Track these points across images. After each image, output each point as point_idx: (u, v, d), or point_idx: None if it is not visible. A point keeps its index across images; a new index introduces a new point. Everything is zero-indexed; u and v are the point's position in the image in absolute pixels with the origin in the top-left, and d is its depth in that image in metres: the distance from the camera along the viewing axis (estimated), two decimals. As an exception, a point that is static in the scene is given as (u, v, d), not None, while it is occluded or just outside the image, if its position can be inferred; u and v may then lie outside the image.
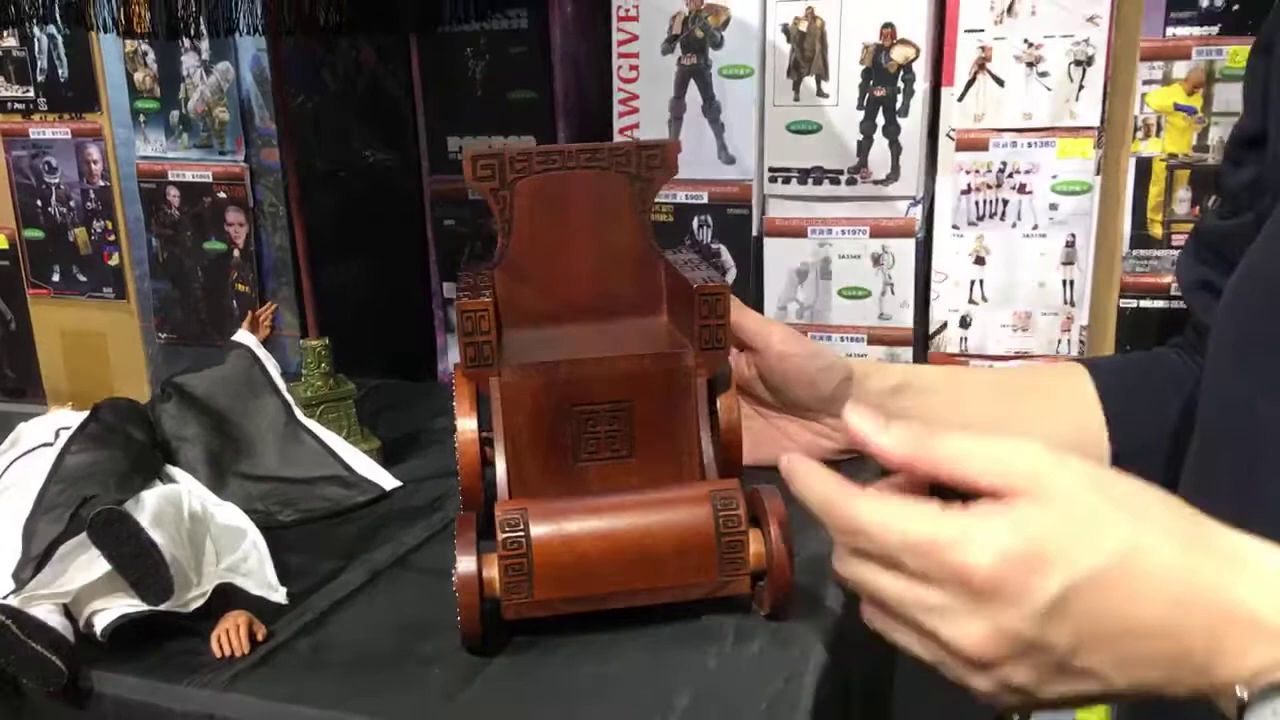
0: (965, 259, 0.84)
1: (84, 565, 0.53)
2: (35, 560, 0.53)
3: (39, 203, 1.05)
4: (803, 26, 0.84)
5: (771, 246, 0.88)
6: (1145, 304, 0.82)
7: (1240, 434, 0.54)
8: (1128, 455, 0.69)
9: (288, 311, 0.98)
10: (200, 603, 0.55)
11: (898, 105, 0.83)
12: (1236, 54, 0.78)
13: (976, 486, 0.42)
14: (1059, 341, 0.84)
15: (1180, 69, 0.79)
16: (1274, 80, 0.59)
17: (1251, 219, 0.59)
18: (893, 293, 0.86)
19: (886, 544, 0.42)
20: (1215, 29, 0.78)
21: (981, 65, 0.81)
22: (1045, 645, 0.40)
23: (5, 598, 0.52)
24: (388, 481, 0.73)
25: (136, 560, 0.51)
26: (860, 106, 0.83)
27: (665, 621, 0.54)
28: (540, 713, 0.47)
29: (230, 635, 0.53)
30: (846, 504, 0.43)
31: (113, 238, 1.04)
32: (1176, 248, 0.81)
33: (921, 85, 0.82)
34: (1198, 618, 0.39)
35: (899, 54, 0.82)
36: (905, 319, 0.86)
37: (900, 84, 0.82)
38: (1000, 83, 0.81)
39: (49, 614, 0.52)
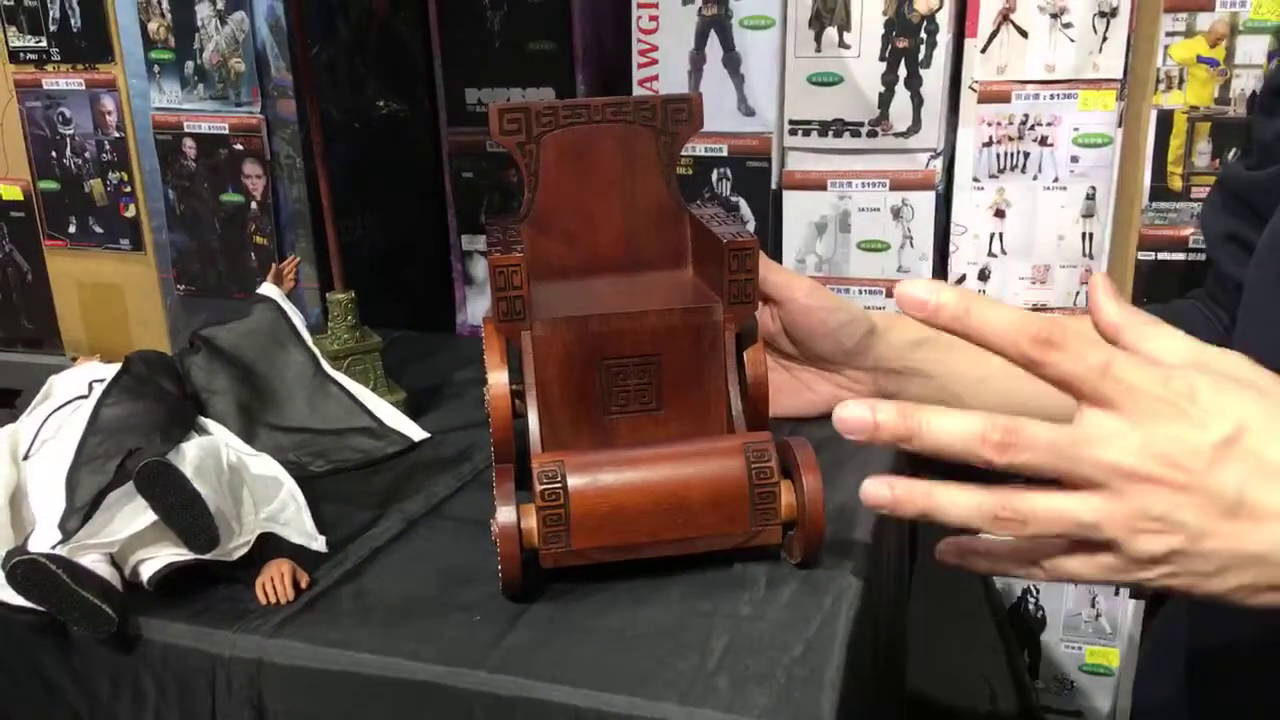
0: (985, 212, 0.85)
1: (130, 515, 0.54)
2: (82, 510, 0.54)
3: (54, 154, 1.05)
4: (825, -23, 0.83)
5: (791, 199, 0.89)
6: (1164, 256, 0.83)
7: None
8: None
9: (307, 264, 0.98)
10: (243, 551, 0.56)
11: (920, 57, 0.82)
12: (1259, 6, 0.78)
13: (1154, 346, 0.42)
14: (1077, 294, 0.84)
15: (1203, 21, 0.79)
16: None
17: None
18: (912, 245, 0.87)
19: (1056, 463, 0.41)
20: (1240, -20, 0.77)
21: (1005, 16, 0.81)
22: (1212, 488, 0.40)
23: (54, 547, 0.53)
24: (416, 433, 0.73)
25: (183, 510, 0.52)
26: (882, 58, 0.83)
27: (698, 570, 0.55)
28: (582, 656, 0.49)
29: (275, 583, 0.54)
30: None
31: (128, 189, 1.04)
32: (1196, 200, 0.81)
33: (945, 36, 0.82)
34: None
35: (922, 5, 0.82)
36: (924, 271, 0.87)
37: (923, 35, 0.82)
38: (1024, 34, 0.81)
39: (96, 563, 0.54)
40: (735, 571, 0.55)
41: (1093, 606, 0.92)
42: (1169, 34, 0.79)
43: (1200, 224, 0.71)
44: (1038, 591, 0.93)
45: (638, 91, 0.89)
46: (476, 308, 1.01)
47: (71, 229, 1.07)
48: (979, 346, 0.44)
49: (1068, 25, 0.79)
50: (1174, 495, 0.40)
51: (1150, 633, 0.72)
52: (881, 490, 0.45)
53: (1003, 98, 0.82)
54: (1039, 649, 0.94)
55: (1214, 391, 0.40)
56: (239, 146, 0.97)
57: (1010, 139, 0.83)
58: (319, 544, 0.59)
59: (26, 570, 0.51)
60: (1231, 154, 0.79)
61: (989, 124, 0.83)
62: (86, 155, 1.05)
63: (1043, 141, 0.82)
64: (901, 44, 0.83)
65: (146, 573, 0.54)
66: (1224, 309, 0.68)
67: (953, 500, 0.43)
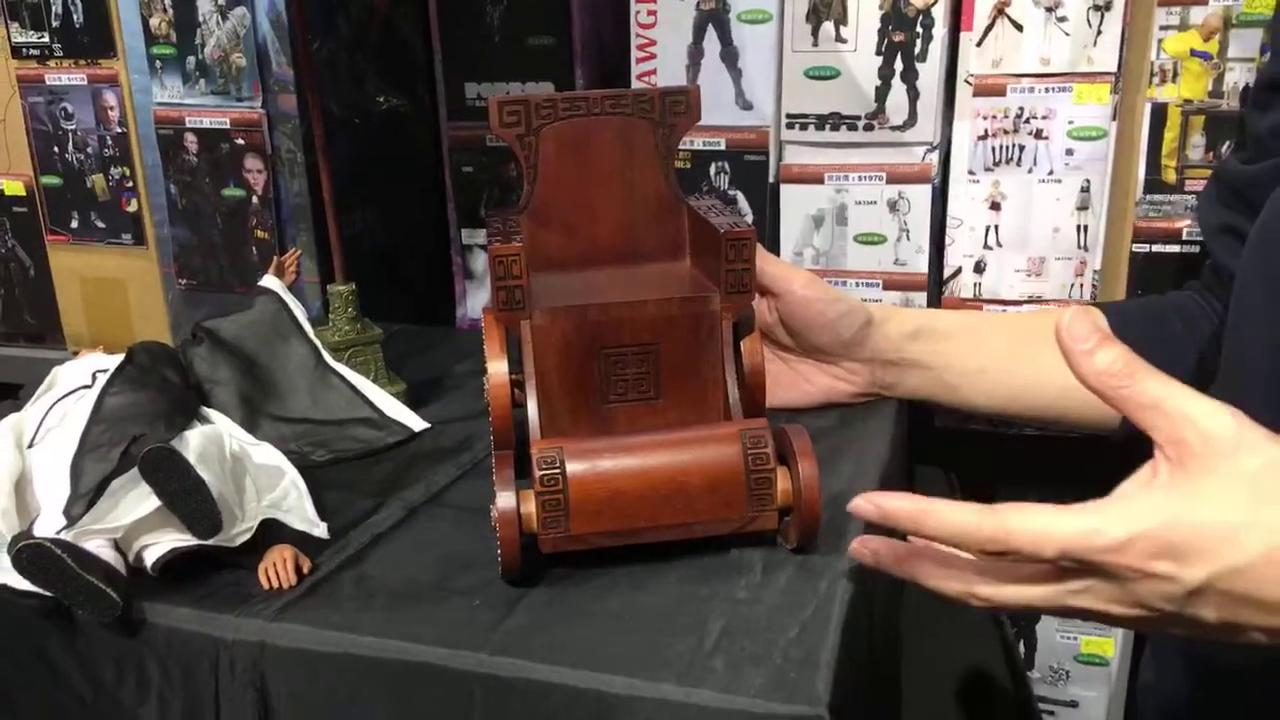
0: (981, 204, 0.85)
1: (134, 501, 0.55)
2: (86, 497, 0.54)
3: (56, 149, 1.06)
4: (822, -29, 0.84)
5: (788, 193, 0.89)
6: (1158, 249, 0.84)
7: (1267, 373, 0.55)
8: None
9: (307, 258, 0.99)
10: (246, 537, 0.57)
11: (916, 50, 0.83)
12: (1252, 0, 0.78)
13: (1155, 436, 0.43)
14: (1072, 286, 0.85)
15: (1197, 14, 0.79)
16: None
17: (1275, 164, 0.61)
18: (908, 238, 0.87)
19: (1040, 554, 0.43)
20: (1233, -27, 0.78)
21: (1000, 10, 0.82)
22: (1189, 617, 0.43)
23: (59, 533, 0.54)
24: (416, 423, 0.74)
25: (187, 496, 0.53)
26: (879, 52, 0.84)
27: (695, 555, 0.56)
28: (581, 639, 0.49)
29: (277, 568, 0.55)
30: (996, 522, 0.44)
31: (130, 184, 1.05)
32: (1190, 193, 0.82)
33: (940, 30, 0.82)
34: None
35: (918, -1, 0.82)
36: (920, 264, 0.87)
37: (919, 29, 0.83)
38: (1019, 28, 0.81)
39: (101, 548, 0.54)
40: (732, 556, 0.56)
41: (1088, 597, 0.92)
42: (1163, 27, 0.80)
43: (1196, 216, 0.72)
44: (1034, 582, 0.93)
45: (636, 85, 0.90)
46: (476, 301, 1.02)
47: (74, 224, 1.08)
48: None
49: (1062, 19, 0.80)
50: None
51: (1145, 656, 0.72)
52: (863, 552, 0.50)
53: (998, 91, 0.83)
54: (1034, 639, 0.95)
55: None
56: (240, 141, 0.98)
57: (1005, 132, 0.83)
58: (321, 530, 0.59)
59: (32, 555, 0.51)
60: (1225, 147, 0.80)
61: (984, 117, 0.83)
62: (89, 150, 1.05)
63: (1038, 135, 0.83)
64: (898, 38, 0.83)
65: (150, 558, 0.55)
66: (1219, 300, 0.69)
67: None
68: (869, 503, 0.47)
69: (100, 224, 1.07)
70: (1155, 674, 0.69)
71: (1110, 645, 0.93)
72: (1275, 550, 0.41)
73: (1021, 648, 0.95)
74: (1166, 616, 0.43)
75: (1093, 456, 0.77)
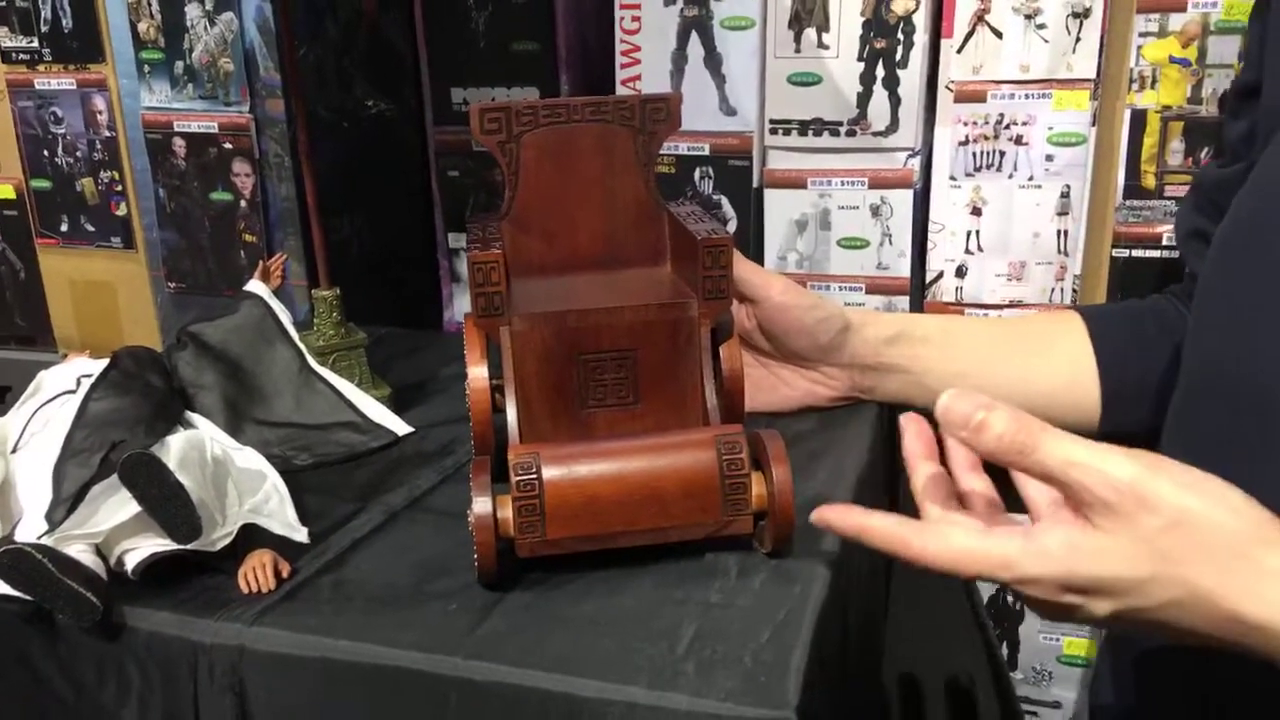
0: (962, 209, 0.86)
1: (114, 507, 0.55)
2: (67, 502, 0.55)
3: (45, 153, 1.06)
4: (804, -22, 0.84)
5: (772, 197, 0.90)
6: (1137, 253, 0.84)
7: (1223, 381, 0.56)
8: (1117, 401, 0.72)
9: (295, 261, 0.99)
10: (226, 542, 0.57)
11: (897, 57, 0.84)
12: (1231, 7, 0.79)
13: (1078, 496, 0.45)
14: (1052, 290, 0.86)
15: (1176, 21, 0.80)
16: (1269, 35, 0.60)
17: (1244, 167, 0.61)
18: (890, 243, 0.88)
19: (958, 574, 0.47)
20: (1211, -19, 0.79)
21: (980, 17, 0.82)
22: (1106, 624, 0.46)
23: (40, 538, 0.54)
24: (400, 427, 0.75)
25: (166, 502, 0.54)
26: (860, 58, 0.85)
27: (671, 559, 0.56)
28: (555, 643, 0.50)
29: (256, 572, 0.55)
30: (919, 547, 0.48)
31: (120, 188, 1.05)
32: (1169, 198, 0.82)
33: (921, 37, 0.83)
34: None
35: (899, 5, 0.83)
36: (903, 269, 0.88)
37: (900, 36, 0.83)
38: (999, 35, 0.82)
39: (82, 553, 0.55)
40: (707, 560, 0.57)
41: (1070, 599, 0.93)
42: (1142, 34, 0.81)
43: (1175, 223, 0.73)
44: (1016, 584, 0.94)
45: (621, 91, 0.90)
46: (463, 305, 1.03)
47: (63, 227, 1.08)
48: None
49: (1041, 26, 0.81)
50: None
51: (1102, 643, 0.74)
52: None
53: (978, 97, 0.83)
54: (1017, 640, 0.96)
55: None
56: (228, 145, 0.98)
57: (986, 138, 0.84)
58: (301, 535, 0.60)
59: (13, 559, 0.52)
60: (1204, 152, 0.81)
61: (965, 123, 0.84)
62: (78, 154, 1.06)
63: (1018, 140, 0.83)
64: (879, 45, 0.84)
65: (131, 562, 0.55)
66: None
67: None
68: (820, 518, 0.51)
69: (90, 227, 1.08)
70: (1116, 683, 0.70)
71: (1092, 647, 0.94)
72: (1173, 603, 0.44)
73: (1004, 649, 0.95)
74: (1085, 620, 0.46)
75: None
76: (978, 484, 0.53)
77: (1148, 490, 0.43)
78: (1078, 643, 0.94)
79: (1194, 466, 0.45)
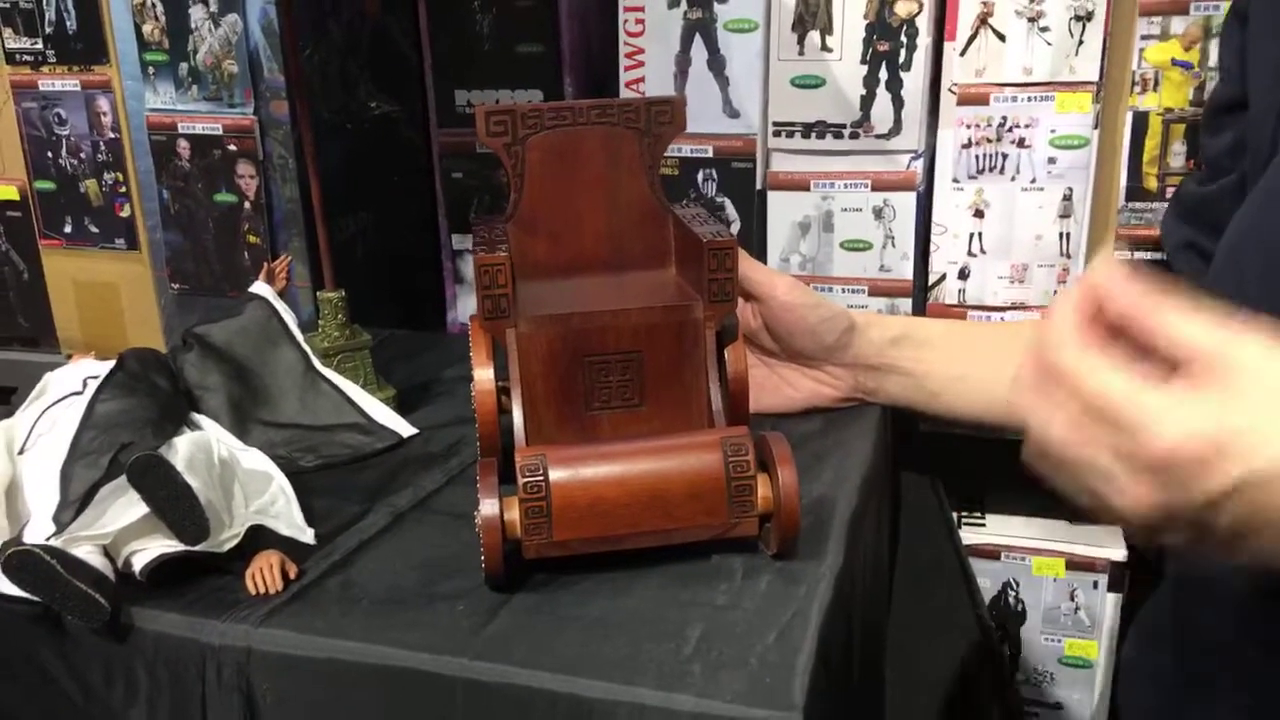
0: (965, 212, 0.86)
1: (122, 508, 0.55)
2: (75, 504, 0.55)
3: (49, 154, 1.06)
4: (807, -19, 0.85)
5: (775, 199, 0.90)
6: (1140, 255, 0.84)
7: None
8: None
9: (299, 263, 0.99)
10: (233, 543, 0.57)
11: (900, 60, 0.84)
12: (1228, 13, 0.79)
13: (1178, 354, 0.41)
14: (1054, 293, 0.86)
15: (1178, 24, 0.80)
16: (1250, 45, 0.60)
17: (1235, 180, 0.61)
18: (893, 245, 0.88)
19: (1080, 388, 0.42)
20: (1213, -16, 0.79)
21: (983, 20, 0.82)
22: (1203, 524, 0.41)
23: (48, 539, 0.54)
24: (405, 429, 0.75)
25: (174, 503, 0.54)
26: (864, 61, 0.85)
27: (677, 561, 0.56)
28: (562, 644, 0.50)
29: (264, 573, 0.56)
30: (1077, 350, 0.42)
31: (124, 189, 1.05)
32: (1171, 201, 0.82)
33: (924, 40, 0.83)
34: None
35: (902, 9, 0.83)
36: (905, 271, 0.88)
37: (903, 39, 0.83)
38: (1001, 38, 0.82)
39: (90, 554, 0.55)
40: (713, 562, 0.57)
41: (1072, 600, 0.93)
42: (1144, 37, 0.81)
43: (1161, 234, 0.73)
44: (1018, 585, 0.94)
45: (625, 93, 0.91)
46: (467, 306, 1.03)
47: (67, 228, 1.09)
48: None
49: (1044, 29, 0.81)
50: None
51: (1131, 637, 0.73)
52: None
53: (981, 100, 0.84)
54: (1019, 642, 0.96)
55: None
56: (232, 147, 0.98)
57: (989, 141, 0.84)
58: (308, 536, 0.60)
59: (21, 561, 0.52)
60: (1188, 161, 0.81)
61: (968, 126, 0.84)
62: (82, 156, 1.06)
63: (1020, 143, 0.83)
64: (882, 47, 0.84)
65: (138, 564, 0.55)
66: None
67: None
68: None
69: (94, 229, 1.08)
70: (1141, 688, 0.70)
71: (1094, 648, 0.94)
72: None
73: (1006, 650, 0.96)
74: (1175, 515, 0.41)
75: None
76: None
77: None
78: (1079, 644, 0.94)
79: None
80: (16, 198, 1.11)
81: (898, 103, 0.85)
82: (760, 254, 0.91)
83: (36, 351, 1.15)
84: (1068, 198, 0.84)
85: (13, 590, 0.53)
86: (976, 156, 0.85)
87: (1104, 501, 0.42)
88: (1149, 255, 0.84)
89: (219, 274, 1.02)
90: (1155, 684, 0.66)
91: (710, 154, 0.90)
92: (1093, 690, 0.95)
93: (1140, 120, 0.82)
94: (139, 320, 1.09)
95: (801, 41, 0.86)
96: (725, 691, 0.47)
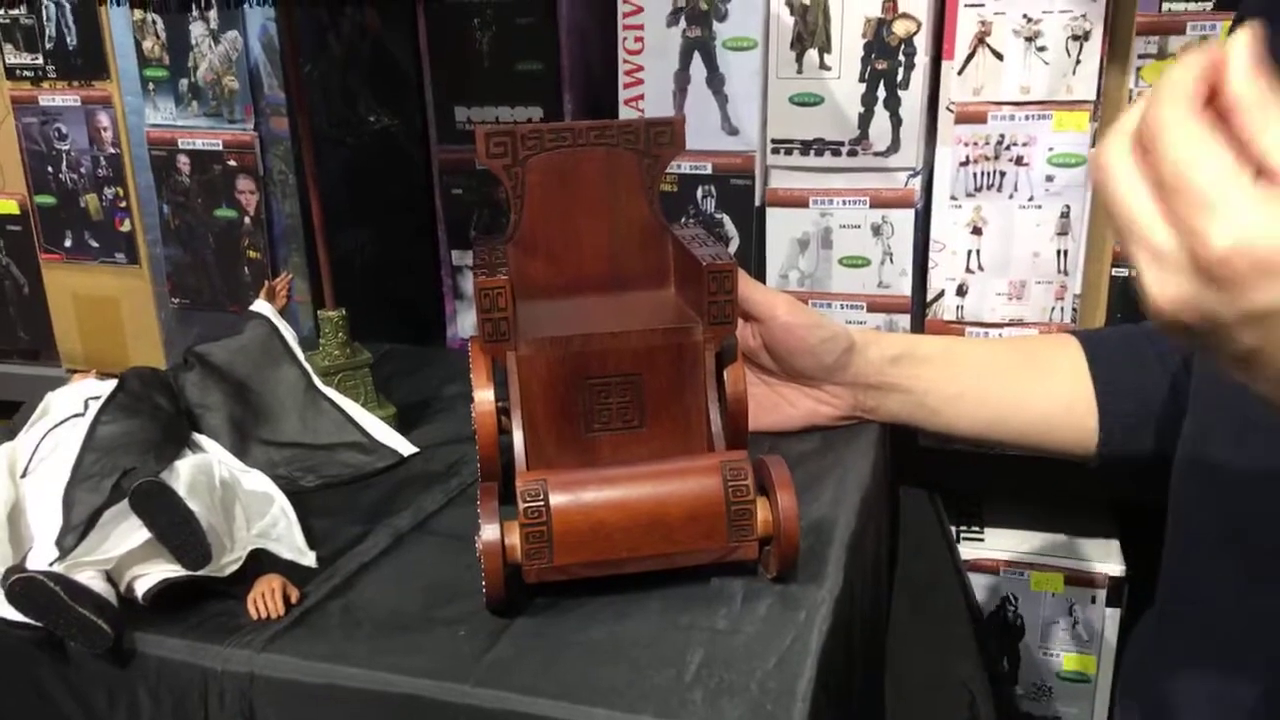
0: (963, 229, 0.87)
1: (125, 533, 0.55)
2: (78, 529, 0.55)
3: (50, 169, 1.07)
4: (806, 0, 0.85)
5: (774, 216, 0.90)
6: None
7: (1233, 400, 0.56)
8: (1116, 426, 0.73)
9: (299, 278, 1.00)
10: (235, 567, 0.57)
11: (899, 78, 0.84)
12: (1228, 30, 0.79)
13: (1271, 162, 0.37)
14: (1052, 310, 0.86)
15: (1175, 44, 0.80)
16: None
17: None
18: (892, 262, 0.88)
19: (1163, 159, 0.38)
20: (1209, 4, 0.79)
21: (981, 39, 0.83)
22: (1231, 338, 0.39)
23: (50, 564, 0.54)
24: (405, 447, 0.75)
25: (176, 529, 0.54)
26: (862, 79, 0.85)
27: (677, 584, 0.57)
28: (563, 669, 0.50)
29: (266, 598, 0.56)
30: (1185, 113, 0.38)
31: (124, 204, 1.06)
32: (1168, 219, 0.83)
33: (922, 59, 0.84)
34: None
35: (900, 27, 0.83)
36: (904, 287, 0.89)
37: (901, 57, 0.84)
38: (999, 57, 0.83)
39: (92, 579, 0.55)
40: (713, 586, 0.57)
41: (1070, 614, 0.93)
42: (1141, 56, 0.81)
43: None
44: (1016, 599, 0.95)
45: (624, 111, 0.91)
46: (467, 321, 1.03)
47: (67, 243, 1.09)
48: None
49: (1042, 48, 0.81)
50: None
51: (1122, 668, 0.73)
52: None
53: (979, 118, 0.84)
54: (1018, 656, 0.96)
55: None
56: (232, 162, 0.99)
57: (987, 158, 0.84)
58: (309, 559, 0.60)
59: (24, 587, 0.52)
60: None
61: (966, 144, 0.85)
62: (82, 170, 1.06)
63: (1018, 161, 0.84)
64: (880, 66, 0.84)
65: (141, 589, 0.56)
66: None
67: None
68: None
69: (94, 243, 1.08)
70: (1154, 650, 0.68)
71: (1092, 663, 0.94)
72: None
73: (1005, 664, 0.96)
74: (1206, 320, 0.38)
75: (1078, 475, 0.79)
76: None
77: None
78: (1078, 658, 0.95)
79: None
80: (17, 212, 1.11)
81: (896, 120, 0.85)
82: (759, 270, 0.91)
83: (37, 365, 1.15)
84: (1065, 215, 0.84)
85: (16, 616, 0.54)
86: (974, 174, 0.85)
87: (1142, 281, 0.40)
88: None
89: (219, 289, 1.02)
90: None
91: (709, 170, 0.90)
92: (1092, 705, 0.95)
93: (1137, 139, 0.82)
94: (139, 334, 1.09)
95: (800, 59, 0.86)
96: (726, 718, 0.47)
